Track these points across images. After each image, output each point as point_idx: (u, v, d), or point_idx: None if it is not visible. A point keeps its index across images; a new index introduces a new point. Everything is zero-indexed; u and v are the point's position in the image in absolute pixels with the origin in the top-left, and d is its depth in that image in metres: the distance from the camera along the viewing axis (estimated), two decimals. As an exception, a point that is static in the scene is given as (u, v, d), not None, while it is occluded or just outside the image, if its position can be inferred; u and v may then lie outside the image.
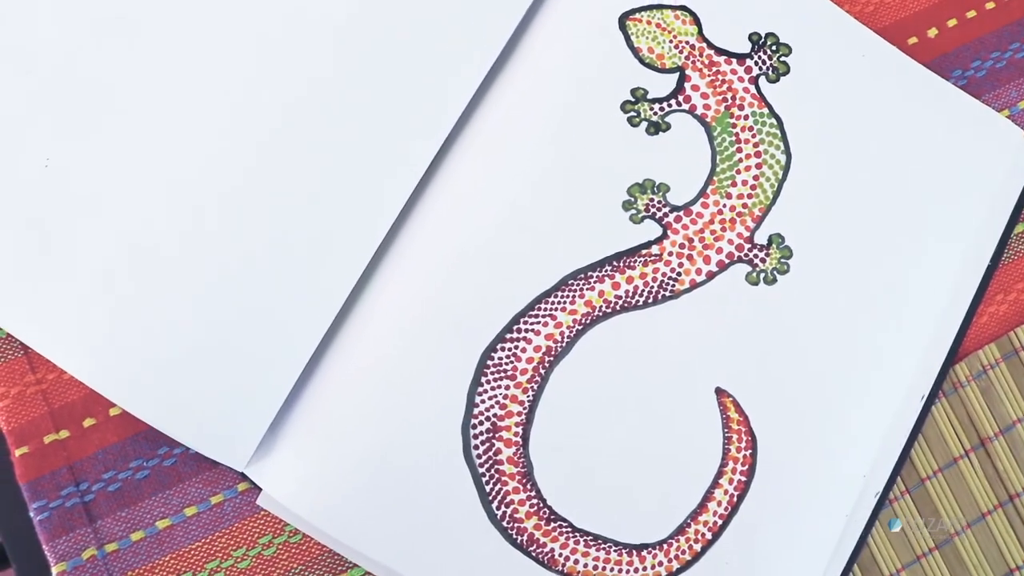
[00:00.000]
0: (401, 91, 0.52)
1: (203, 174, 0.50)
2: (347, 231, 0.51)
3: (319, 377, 0.49)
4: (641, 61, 0.55)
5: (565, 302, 0.53)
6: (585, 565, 0.51)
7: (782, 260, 0.55)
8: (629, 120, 0.55)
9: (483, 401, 0.51)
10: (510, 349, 0.52)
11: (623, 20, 0.56)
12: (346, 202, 0.51)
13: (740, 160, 0.56)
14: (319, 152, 0.51)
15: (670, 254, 0.54)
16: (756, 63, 0.57)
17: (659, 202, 0.54)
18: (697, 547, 0.52)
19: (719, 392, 0.53)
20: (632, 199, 0.54)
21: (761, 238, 0.55)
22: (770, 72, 0.57)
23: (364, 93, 0.52)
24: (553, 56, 0.55)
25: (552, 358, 0.53)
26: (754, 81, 0.57)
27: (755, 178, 0.55)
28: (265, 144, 0.51)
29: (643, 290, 0.54)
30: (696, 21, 0.57)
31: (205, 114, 0.51)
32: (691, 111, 0.56)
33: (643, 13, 0.57)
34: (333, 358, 0.51)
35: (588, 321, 0.53)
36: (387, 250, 0.52)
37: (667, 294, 0.54)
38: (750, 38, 0.57)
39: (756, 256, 0.55)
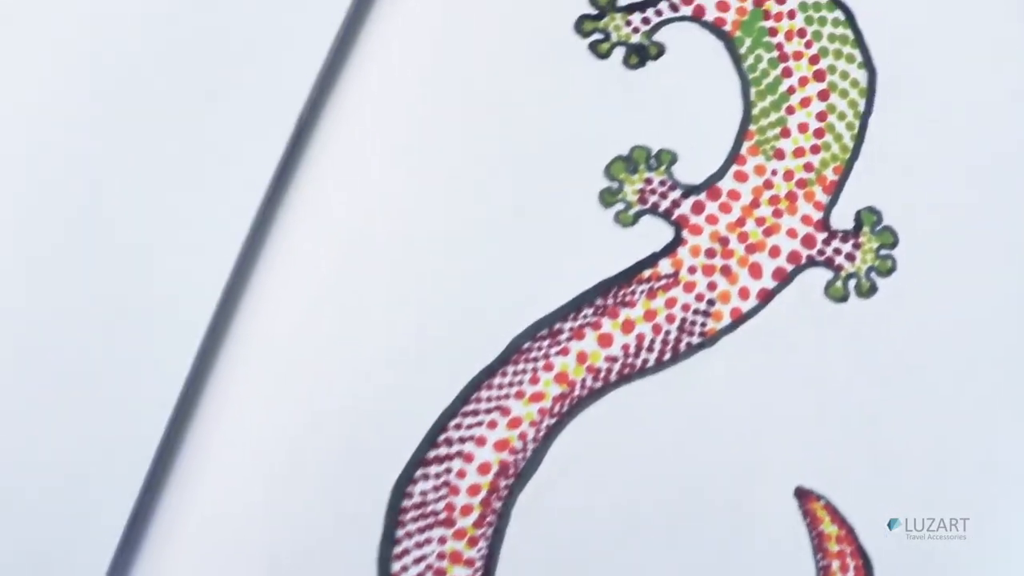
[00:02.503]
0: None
1: None
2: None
3: None
4: (601, -58, 0.32)
5: (522, 381, 0.31)
6: None
7: (882, 252, 0.32)
8: (594, 48, 0.32)
9: (405, 568, 0.29)
10: (439, 476, 0.30)
11: None
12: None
13: (791, 90, 0.32)
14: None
15: (692, 270, 0.31)
16: (798, -83, 0.33)
17: (662, 183, 0.32)
18: None
19: (802, 495, 0.31)
20: (615, 184, 0.31)
21: (842, 220, 0.32)
22: (823, -70, 0.33)
23: None
24: None
25: (512, 480, 0.30)
26: (798, -51, 0.33)
27: (820, 117, 0.32)
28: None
29: (653, 340, 0.31)
30: None
31: None
32: (696, 16, 0.32)
33: None
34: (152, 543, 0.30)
35: (566, 408, 0.31)
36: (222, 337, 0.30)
37: (695, 340, 0.31)
38: None
39: (838, 252, 0.32)
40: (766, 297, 0.32)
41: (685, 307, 0.32)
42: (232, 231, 0.31)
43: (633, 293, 0.32)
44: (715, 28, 0.33)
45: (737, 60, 0.33)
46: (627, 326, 0.32)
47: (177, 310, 0.31)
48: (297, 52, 0.31)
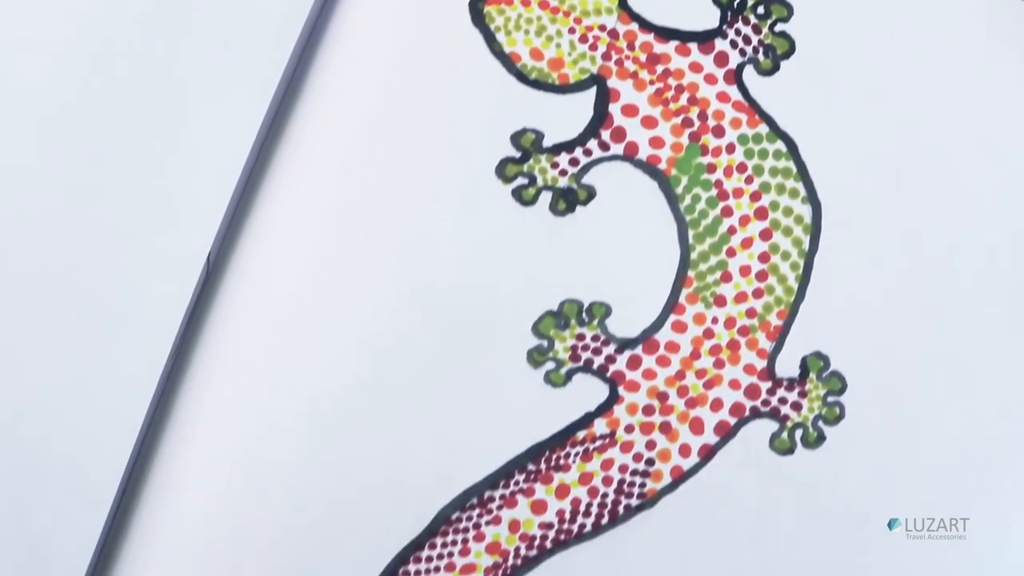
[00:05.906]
0: None
1: None
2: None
3: None
4: (521, 77, 0.30)
5: (452, 553, 0.29)
6: None
7: (830, 399, 0.30)
8: (517, 194, 0.30)
9: None
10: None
11: (477, 6, 0.30)
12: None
13: (732, 230, 0.30)
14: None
15: (629, 429, 0.30)
16: (733, 44, 0.31)
17: (595, 338, 0.30)
18: None
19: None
20: (545, 342, 0.30)
21: (787, 367, 0.30)
22: (761, 56, 0.31)
23: None
24: (350, 90, 0.30)
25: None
26: (734, 77, 0.31)
27: (762, 258, 0.30)
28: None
29: (590, 504, 0.30)
30: (615, -14, 0.31)
31: None
32: (629, 155, 0.30)
33: (515, -12, 0.31)
34: None
35: (499, 580, 0.29)
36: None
37: (634, 502, 0.30)
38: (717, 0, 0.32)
39: (783, 402, 0.30)
40: (708, 453, 0.31)
41: (623, 468, 0.31)
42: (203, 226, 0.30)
43: (567, 456, 0.30)
44: (649, 167, 0.31)
45: (673, 201, 0.31)
46: (561, 491, 0.30)
47: (150, 308, 0.30)
48: (266, 47, 0.30)
